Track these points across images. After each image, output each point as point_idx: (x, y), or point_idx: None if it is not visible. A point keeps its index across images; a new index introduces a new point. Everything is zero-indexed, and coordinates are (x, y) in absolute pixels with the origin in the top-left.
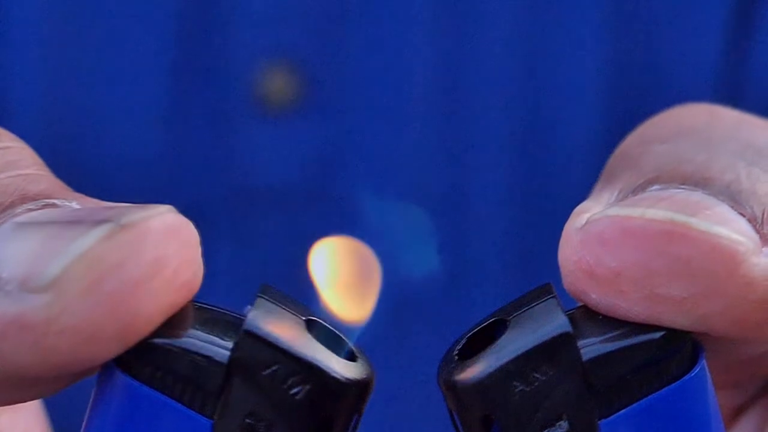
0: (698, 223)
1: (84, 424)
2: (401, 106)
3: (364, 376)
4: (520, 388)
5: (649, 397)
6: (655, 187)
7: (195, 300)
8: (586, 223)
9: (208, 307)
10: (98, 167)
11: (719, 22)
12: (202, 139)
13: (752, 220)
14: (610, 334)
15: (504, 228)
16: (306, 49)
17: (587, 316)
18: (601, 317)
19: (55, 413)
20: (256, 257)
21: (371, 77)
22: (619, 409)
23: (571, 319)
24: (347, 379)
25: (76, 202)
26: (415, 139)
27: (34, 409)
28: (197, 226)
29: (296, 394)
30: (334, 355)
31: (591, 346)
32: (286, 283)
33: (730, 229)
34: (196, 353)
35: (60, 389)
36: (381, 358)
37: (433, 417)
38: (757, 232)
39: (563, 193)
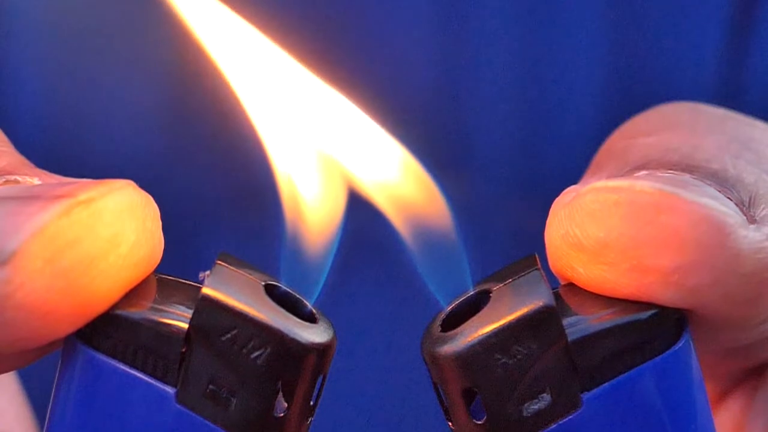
0: (687, 194)
1: (51, 397)
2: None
3: (325, 338)
4: (502, 360)
5: (633, 370)
6: (643, 172)
7: (157, 272)
8: (573, 198)
9: (171, 279)
10: (101, 166)
11: (720, 21)
12: (205, 136)
13: (739, 204)
14: (597, 315)
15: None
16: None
17: (574, 294)
18: (588, 295)
19: (33, 391)
20: (261, 251)
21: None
22: (603, 382)
23: (557, 297)
24: (307, 340)
25: (38, 178)
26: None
27: (11, 388)
28: (203, 221)
29: (257, 357)
30: (294, 318)
31: (577, 327)
32: (291, 280)
33: (718, 202)
34: (156, 322)
35: (24, 365)
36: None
37: None
38: (744, 214)
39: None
